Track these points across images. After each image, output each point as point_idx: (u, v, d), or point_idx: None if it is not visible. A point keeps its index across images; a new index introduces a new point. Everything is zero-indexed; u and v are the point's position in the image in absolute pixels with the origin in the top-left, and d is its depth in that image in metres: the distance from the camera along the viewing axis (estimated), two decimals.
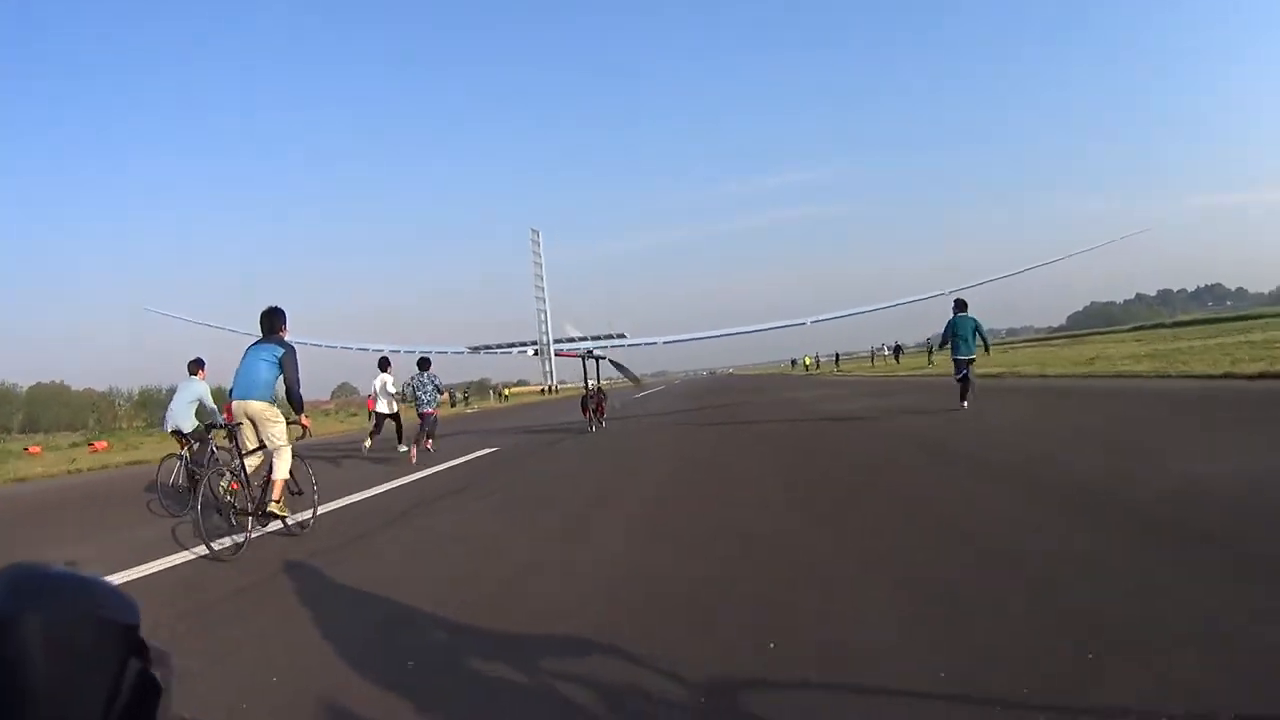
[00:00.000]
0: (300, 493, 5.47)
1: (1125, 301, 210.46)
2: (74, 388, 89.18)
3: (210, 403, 7.77)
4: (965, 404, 9.83)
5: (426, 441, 10.36)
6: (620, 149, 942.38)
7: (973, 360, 10.07)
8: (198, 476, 6.69)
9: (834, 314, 22.64)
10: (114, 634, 0.43)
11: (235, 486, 4.94)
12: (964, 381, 9.97)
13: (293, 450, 5.35)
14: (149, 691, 0.45)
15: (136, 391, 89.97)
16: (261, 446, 5.21)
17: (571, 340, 16.48)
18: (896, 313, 25.13)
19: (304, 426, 5.35)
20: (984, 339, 10.50)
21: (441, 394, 11.38)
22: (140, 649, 0.45)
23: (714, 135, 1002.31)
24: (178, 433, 7.42)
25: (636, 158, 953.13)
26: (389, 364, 11.00)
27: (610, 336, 17.91)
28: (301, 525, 5.28)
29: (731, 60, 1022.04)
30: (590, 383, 14.43)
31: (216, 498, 4.81)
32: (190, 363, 7.87)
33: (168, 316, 24.14)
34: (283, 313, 5.43)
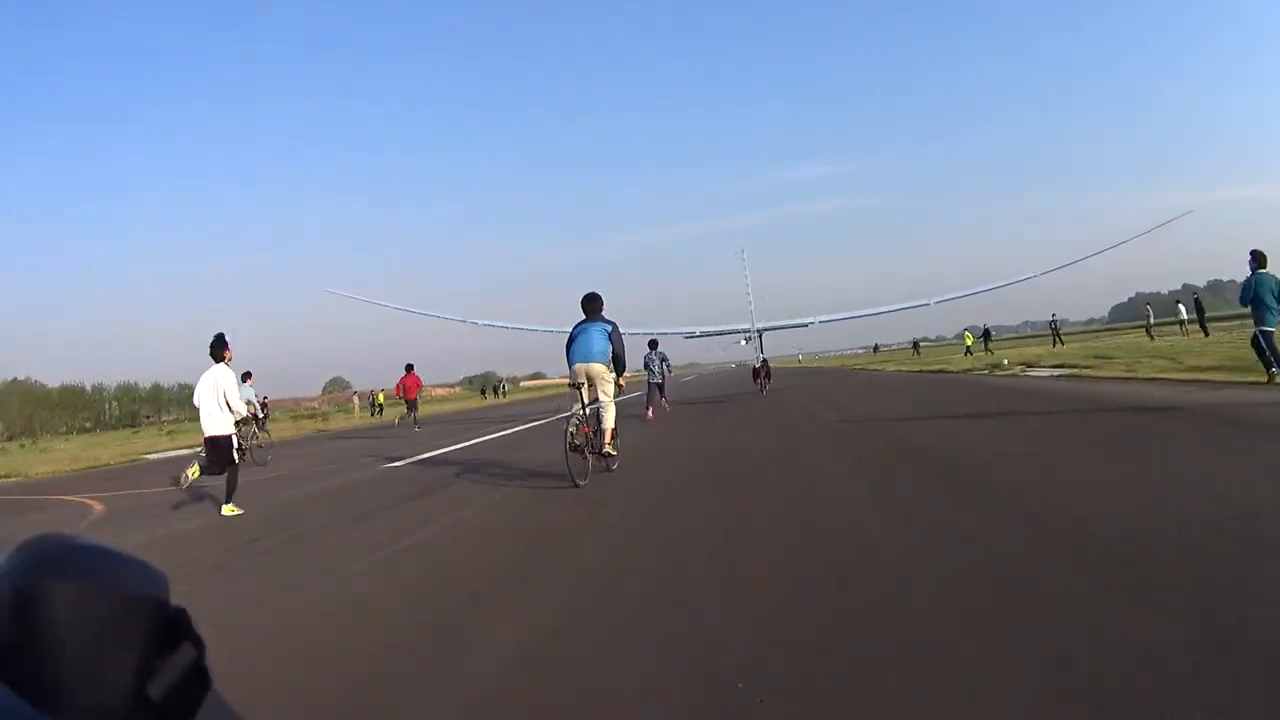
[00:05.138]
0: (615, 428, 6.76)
1: (1170, 292, 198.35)
2: (48, 384, 79.20)
3: (255, 400, 11.17)
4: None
5: (652, 409, 13.41)
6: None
7: (1273, 331, 8.16)
8: (244, 448, 9.17)
9: (956, 294, 23.05)
10: (142, 608, 0.41)
11: (586, 431, 6.05)
12: (1264, 353, 8.04)
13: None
14: (196, 675, 0.43)
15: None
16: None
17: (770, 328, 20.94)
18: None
19: (619, 385, 6.53)
20: None
21: (670, 368, 14.94)
22: (182, 625, 0.43)
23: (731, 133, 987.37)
24: None
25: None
26: (225, 346, 6.64)
27: (793, 327, 22.53)
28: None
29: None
30: (760, 356, 19.17)
31: (569, 440, 5.89)
32: (243, 374, 11.00)
33: (349, 298, 27.52)
34: (601, 297, 6.59)
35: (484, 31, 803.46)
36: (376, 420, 30.26)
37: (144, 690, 0.40)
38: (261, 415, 11.56)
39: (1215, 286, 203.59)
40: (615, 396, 6.47)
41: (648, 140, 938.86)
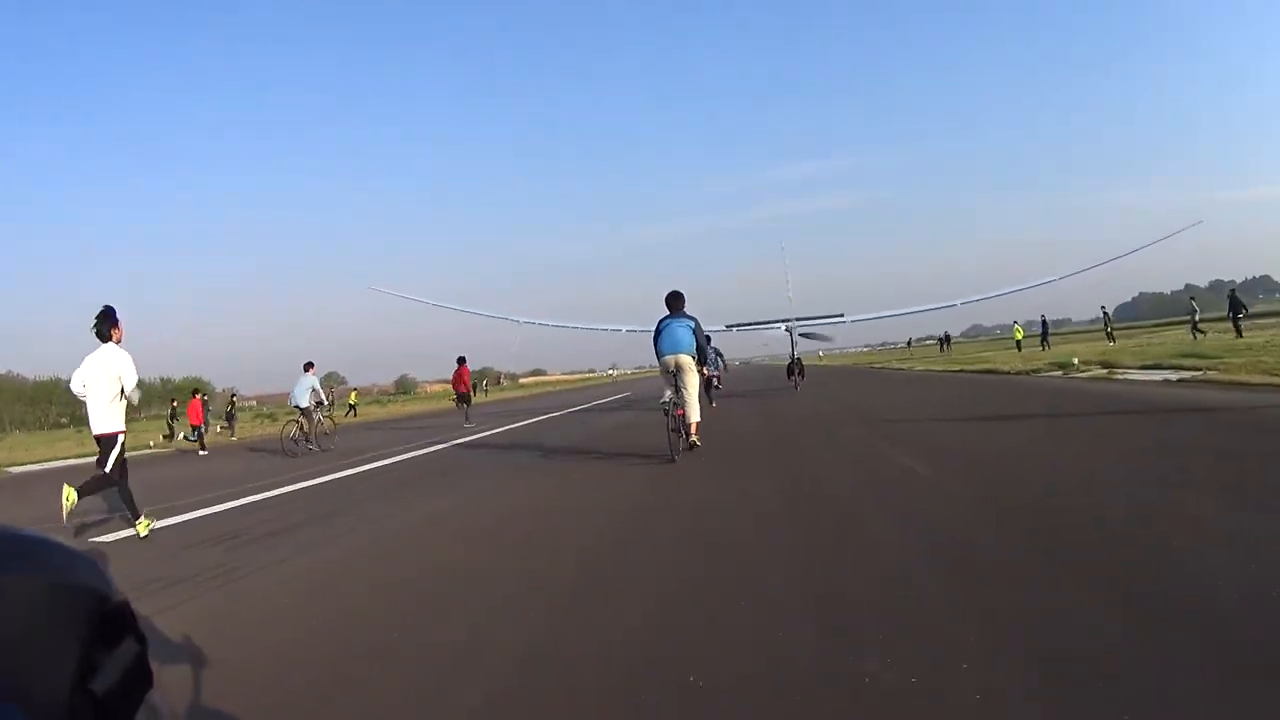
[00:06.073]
0: (699, 421, 7.56)
1: (1173, 292, 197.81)
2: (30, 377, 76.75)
3: (320, 388, 12.38)
4: None
5: (712, 405, 13.84)
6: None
7: None
8: (310, 432, 12.17)
9: (982, 295, 22.44)
10: (82, 598, 0.40)
11: (680, 413, 6.88)
12: None
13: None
14: (139, 671, 0.42)
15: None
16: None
17: (803, 320, 20.87)
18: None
19: (703, 375, 7.69)
20: None
21: (723, 361, 17.50)
22: (124, 619, 0.42)
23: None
24: (297, 407, 12.23)
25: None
26: (115, 322, 5.82)
27: (828, 317, 21.52)
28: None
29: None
30: (793, 353, 19.90)
31: (666, 425, 6.82)
32: (304, 364, 12.57)
33: (393, 295, 27.42)
34: (683, 295, 7.27)
35: (484, 32, 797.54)
36: (351, 419, 27.79)
37: (86, 685, 0.39)
38: (328, 403, 12.75)
39: (1217, 287, 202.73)
40: (700, 385, 7.34)
41: (647, 139, 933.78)
